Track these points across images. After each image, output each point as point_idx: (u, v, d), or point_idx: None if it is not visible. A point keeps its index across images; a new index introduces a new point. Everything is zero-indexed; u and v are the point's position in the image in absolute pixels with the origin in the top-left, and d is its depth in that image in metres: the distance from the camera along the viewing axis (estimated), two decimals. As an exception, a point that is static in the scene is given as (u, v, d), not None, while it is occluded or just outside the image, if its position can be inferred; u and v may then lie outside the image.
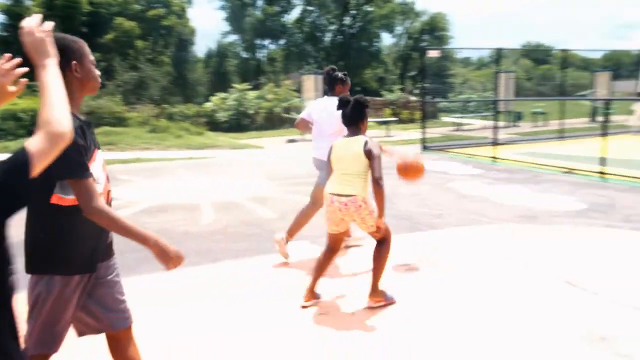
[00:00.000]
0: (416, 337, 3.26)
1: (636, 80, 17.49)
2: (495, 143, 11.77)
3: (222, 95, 24.62)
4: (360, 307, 3.70)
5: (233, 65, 45.91)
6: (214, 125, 22.59)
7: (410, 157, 3.95)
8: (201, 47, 74.48)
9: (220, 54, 41.82)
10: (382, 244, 3.68)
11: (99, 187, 2.03)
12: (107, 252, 2.20)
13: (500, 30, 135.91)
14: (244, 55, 52.64)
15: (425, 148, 13.82)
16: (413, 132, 18.65)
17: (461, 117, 21.29)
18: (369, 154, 3.53)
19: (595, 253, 4.82)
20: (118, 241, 2.18)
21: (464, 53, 64.84)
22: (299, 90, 19.71)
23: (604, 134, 9.15)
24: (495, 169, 10.06)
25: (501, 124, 19.78)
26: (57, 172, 1.82)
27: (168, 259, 2.03)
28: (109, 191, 2.17)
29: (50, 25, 1.56)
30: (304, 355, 3.11)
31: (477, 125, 21.03)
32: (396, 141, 16.64)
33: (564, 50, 19.79)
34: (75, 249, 2.03)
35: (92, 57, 2.12)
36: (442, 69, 44.97)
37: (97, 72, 2.14)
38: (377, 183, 3.46)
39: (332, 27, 54.34)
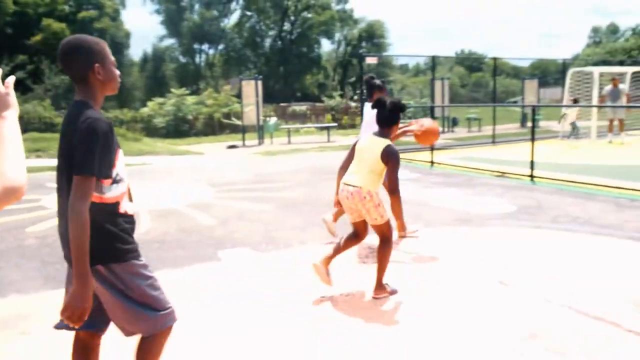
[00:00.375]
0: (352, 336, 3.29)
1: (562, 87, 18.49)
2: (432, 148, 12.11)
3: (160, 100, 24.07)
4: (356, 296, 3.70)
5: (171, 70, 44.94)
6: (152, 131, 22.03)
7: (426, 123, 4.62)
8: (137, 50, 72.43)
9: (156, 58, 40.82)
10: (385, 243, 3.92)
11: (122, 185, 2.12)
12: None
13: (436, 38, 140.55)
14: (182, 59, 51.64)
15: (365, 153, 14.01)
16: (353, 138, 18.90)
17: (400, 123, 21.74)
18: (386, 159, 3.75)
19: (525, 253, 5.05)
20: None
21: (402, 60, 66.56)
22: (239, 95, 19.52)
23: (533, 139, 9.61)
24: (433, 174, 10.36)
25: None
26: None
27: (65, 310, 1.95)
28: (129, 188, 2.24)
29: (12, 79, 1.53)
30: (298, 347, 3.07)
31: (414, 130, 21.54)
32: (337, 147, 16.80)
33: (495, 59, 20.69)
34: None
35: (112, 58, 2.15)
36: (381, 76, 45.92)
37: (117, 72, 2.18)
38: (392, 193, 3.68)
39: (272, 33, 54.31)
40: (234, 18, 53.80)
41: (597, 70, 16.71)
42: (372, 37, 55.48)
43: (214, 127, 23.37)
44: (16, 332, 3.53)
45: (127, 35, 38.96)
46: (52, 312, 3.82)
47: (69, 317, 1.95)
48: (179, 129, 22.47)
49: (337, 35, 57.01)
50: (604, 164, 10.63)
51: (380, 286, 3.97)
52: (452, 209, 7.08)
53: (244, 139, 18.49)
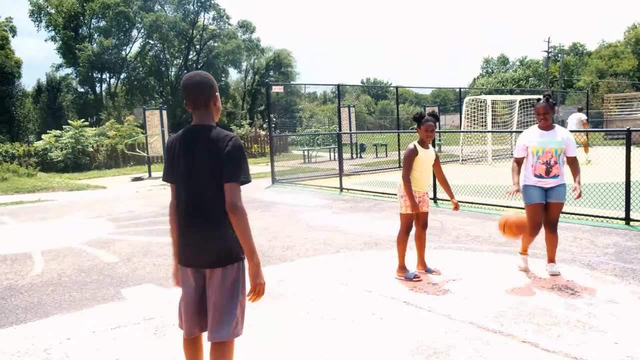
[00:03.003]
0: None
1: (460, 114, 19.72)
2: (341, 174, 12.36)
3: (56, 132, 22.68)
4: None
5: (68, 101, 42.63)
6: (48, 165, 20.67)
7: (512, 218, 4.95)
8: (30, 80, 68.11)
9: (52, 88, 38.60)
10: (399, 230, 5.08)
11: None
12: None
13: (344, 68, 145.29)
14: (81, 89, 49.27)
15: (275, 181, 14.03)
16: (264, 166, 18.87)
17: (309, 150, 22.09)
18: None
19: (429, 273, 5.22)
20: None
21: (310, 89, 67.94)
22: (143, 126, 18.87)
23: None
24: (342, 199, 10.54)
25: (346, 155, 20.96)
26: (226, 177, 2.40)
27: (255, 286, 2.44)
28: None
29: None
30: None
31: (325, 157, 21.96)
32: (247, 175, 16.66)
33: (397, 87, 21.67)
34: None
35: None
36: (290, 104, 46.53)
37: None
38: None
39: (177, 62, 53.47)
40: (135, 47, 52.46)
41: (489, 98, 18.04)
42: (280, 65, 56.29)
43: (117, 159, 22.35)
44: None
45: (18, 64, 36.64)
46: None
47: (258, 293, 2.45)
48: (79, 162, 21.25)
49: (245, 64, 57.30)
50: (500, 185, 11.37)
51: (400, 268, 5.06)
52: (361, 233, 7.21)
53: (149, 171, 17.85)
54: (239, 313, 2.47)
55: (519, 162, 5.02)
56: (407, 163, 5.02)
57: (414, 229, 5.15)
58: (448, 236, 6.86)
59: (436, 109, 23.97)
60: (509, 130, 17.49)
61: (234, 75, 75.38)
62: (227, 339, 2.45)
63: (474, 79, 70.77)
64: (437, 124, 5.09)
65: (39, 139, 24.00)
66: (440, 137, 20.51)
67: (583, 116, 16.01)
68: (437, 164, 5.22)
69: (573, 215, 7.41)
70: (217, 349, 2.47)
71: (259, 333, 3.83)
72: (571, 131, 5.68)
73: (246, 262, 2.48)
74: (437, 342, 3.54)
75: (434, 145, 10.32)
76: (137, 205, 10.82)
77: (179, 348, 2.77)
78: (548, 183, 4.83)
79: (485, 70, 74.65)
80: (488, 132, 16.66)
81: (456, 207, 5.09)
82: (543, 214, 4.85)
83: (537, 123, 4.97)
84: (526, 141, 4.94)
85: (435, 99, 64.39)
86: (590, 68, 56.44)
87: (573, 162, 4.86)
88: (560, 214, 5.05)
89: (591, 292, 4.44)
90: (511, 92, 31.73)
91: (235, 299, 2.46)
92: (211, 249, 2.45)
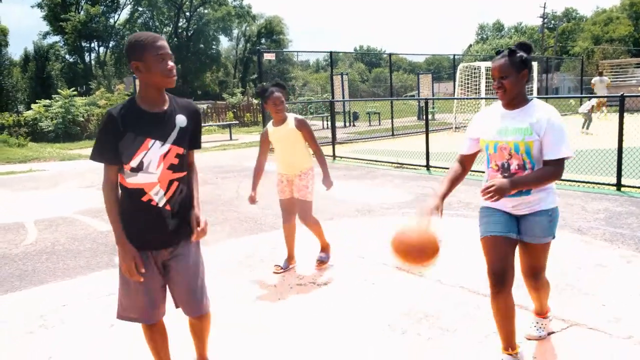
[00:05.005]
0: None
1: (454, 81, 19.58)
2: (334, 142, 12.33)
3: (46, 102, 22.37)
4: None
5: (57, 70, 41.92)
6: (38, 135, 20.47)
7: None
8: (17, 49, 66.67)
9: (40, 57, 37.88)
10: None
11: (150, 176, 2.29)
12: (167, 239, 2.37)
13: (337, 35, 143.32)
14: (69, 58, 48.44)
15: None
16: (256, 135, 18.78)
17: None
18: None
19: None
20: None
21: (303, 56, 67.10)
22: (134, 94, 18.66)
23: (428, 131, 10.08)
24: (335, 167, 10.54)
25: (339, 124, 20.87)
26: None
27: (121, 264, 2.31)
28: (170, 180, 2.33)
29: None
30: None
31: (318, 125, 21.88)
32: (239, 144, 16.61)
33: (391, 55, 21.44)
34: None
35: (160, 52, 2.33)
36: (282, 72, 46.02)
37: (170, 66, 2.33)
38: None
39: (167, 29, 52.54)
40: (124, 14, 51.43)
41: (483, 65, 17.90)
42: (272, 33, 55.46)
43: (108, 129, 22.14)
44: None
45: (5, 32, 35.89)
46: None
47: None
48: (70, 132, 21.04)
49: (236, 32, 56.43)
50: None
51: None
52: (354, 201, 7.24)
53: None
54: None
55: (464, 160, 2.93)
56: (260, 146, 4.49)
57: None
58: (440, 203, 6.89)
59: (430, 77, 23.81)
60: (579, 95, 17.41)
61: (225, 43, 74.40)
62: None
63: (469, 45, 70.17)
64: (285, 92, 4.29)
65: (29, 108, 23.67)
66: (433, 104, 20.43)
67: (606, 79, 16.38)
68: (308, 139, 4.34)
69: (565, 182, 7.46)
70: None
71: (251, 296, 3.86)
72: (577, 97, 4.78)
73: None
74: (427, 306, 3.60)
75: (426, 115, 10.31)
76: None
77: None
78: (515, 206, 2.71)
79: (480, 37, 73.99)
80: (481, 98, 16.59)
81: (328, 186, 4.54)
82: (511, 254, 2.71)
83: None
84: (477, 128, 2.81)
85: (429, 66, 63.83)
86: (585, 34, 56.04)
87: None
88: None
89: (580, 256, 4.50)
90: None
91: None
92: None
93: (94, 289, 4.28)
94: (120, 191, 2.37)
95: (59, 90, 23.19)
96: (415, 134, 16.43)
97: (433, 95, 22.24)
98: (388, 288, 3.99)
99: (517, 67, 2.55)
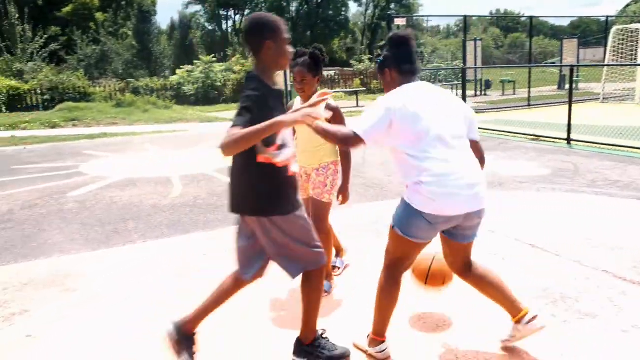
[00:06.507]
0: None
1: (604, 47, 17.71)
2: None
3: (188, 68, 24.08)
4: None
5: (198, 37, 44.77)
6: (181, 98, 22.16)
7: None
8: (164, 18, 72.31)
9: (183, 26, 40.65)
10: None
11: (289, 151, 2.37)
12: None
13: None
14: (208, 26, 51.43)
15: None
16: (383, 102, 18.63)
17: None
18: None
19: (558, 217, 4.93)
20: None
21: (433, 22, 64.83)
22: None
23: (571, 101, 9.29)
24: (464, 137, 10.16)
25: (470, 92, 19.99)
26: None
27: (305, 116, 2.19)
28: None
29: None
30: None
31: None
32: (366, 111, 16.61)
33: (532, 18, 19.89)
34: None
35: (286, 36, 2.32)
36: (411, 39, 44.79)
37: (290, 50, 2.36)
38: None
39: (299, -4, 53.39)
40: (260, -18, 53.08)
41: (642, 28, 15.94)
42: (402, -2, 54.02)
43: (243, 94, 23.35)
44: (61, 289, 3.65)
45: (154, 3, 38.89)
46: (93, 271, 3.95)
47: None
48: (208, 96, 22.54)
49: (365, -3, 55.76)
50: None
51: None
52: (485, 172, 6.94)
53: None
54: None
55: None
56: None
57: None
58: (582, 180, 6.38)
59: (575, 42, 21.73)
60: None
61: (353, 8, 73.97)
62: None
63: (626, 5, 62.71)
64: (317, 69, 3.32)
65: (174, 74, 25.66)
66: (578, 72, 18.72)
67: None
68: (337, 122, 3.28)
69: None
70: None
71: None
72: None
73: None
74: (565, 288, 3.38)
75: (571, 83, 9.42)
76: (261, 137, 11.31)
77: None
78: None
79: (638, -4, 65.69)
80: (638, 65, 14.82)
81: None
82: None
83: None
84: None
85: (575, 30, 58.27)
86: None
87: None
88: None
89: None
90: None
91: None
92: None
93: (232, 241, 4.59)
94: (257, 168, 2.41)
95: (200, 57, 24.82)
96: (554, 104, 15.26)
97: (578, 62, 20.30)
98: (519, 264, 3.81)
99: None
